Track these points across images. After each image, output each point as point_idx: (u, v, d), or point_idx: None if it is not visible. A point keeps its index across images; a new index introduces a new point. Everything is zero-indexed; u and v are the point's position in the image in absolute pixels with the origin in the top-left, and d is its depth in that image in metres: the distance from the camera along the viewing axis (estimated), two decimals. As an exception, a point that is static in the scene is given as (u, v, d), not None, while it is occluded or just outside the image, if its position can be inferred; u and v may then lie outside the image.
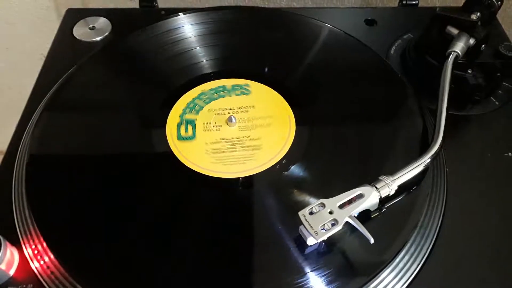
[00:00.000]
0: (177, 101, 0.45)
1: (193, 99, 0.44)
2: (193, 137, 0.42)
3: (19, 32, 0.82)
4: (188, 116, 0.43)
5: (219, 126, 0.43)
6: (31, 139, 0.42)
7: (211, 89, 0.46)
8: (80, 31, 0.55)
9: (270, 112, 0.45)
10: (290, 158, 0.41)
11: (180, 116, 0.43)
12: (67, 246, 0.35)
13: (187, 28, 0.51)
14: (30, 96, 0.48)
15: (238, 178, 0.40)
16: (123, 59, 0.50)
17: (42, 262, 0.35)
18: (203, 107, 0.44)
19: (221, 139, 0.42)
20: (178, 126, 0.42)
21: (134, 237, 0.36)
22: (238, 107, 0.45)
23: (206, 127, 0.43)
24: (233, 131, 0.43)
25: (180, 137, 0.42)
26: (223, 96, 0.45)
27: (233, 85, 0.46)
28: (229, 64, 0.49)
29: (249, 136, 0.43)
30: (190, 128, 0.42)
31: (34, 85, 0.49)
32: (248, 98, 0.46)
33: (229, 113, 0.44)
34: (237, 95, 0.46)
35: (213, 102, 0.45)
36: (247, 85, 0.46)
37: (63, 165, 0.41)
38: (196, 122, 0.43)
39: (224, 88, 0.46)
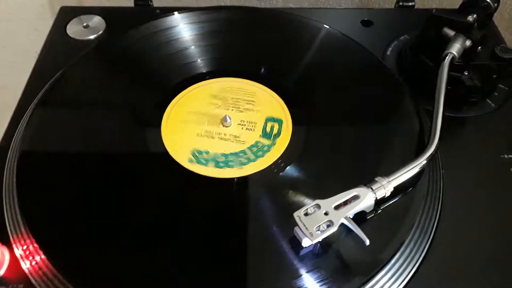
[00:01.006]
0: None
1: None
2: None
3: (14, 30, 0.81)
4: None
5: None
6: (22, 138, 0.42)
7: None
8: (74, 29, 0.54)
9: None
10: (286, 159, 0.41)
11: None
12: (58, 246, 0.35)
13: (182, 27, 0.51)
14: (22, 94, 0.48)
15: (233, 178, 0.39)
16: (116, 57, 0.50)
17: (33, 262, 0.35)
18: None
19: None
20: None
21: (126, 237, 0.36)
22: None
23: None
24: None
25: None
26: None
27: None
28: (224, 63, 0.49)
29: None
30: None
31: (27, 83, 0.49)
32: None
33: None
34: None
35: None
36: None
37: (55, 164, 0.40)
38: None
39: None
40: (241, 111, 0.44)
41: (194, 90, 0.46)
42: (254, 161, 0.40)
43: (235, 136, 0.42)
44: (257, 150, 0.41)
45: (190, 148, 0.41)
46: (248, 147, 0.41)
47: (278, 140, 0.42)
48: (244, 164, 0.40)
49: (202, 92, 0.46)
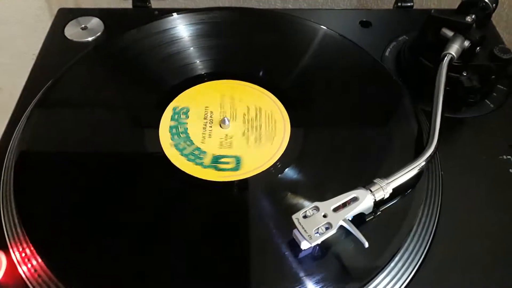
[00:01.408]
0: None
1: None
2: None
3: (11, 32, 0.81)
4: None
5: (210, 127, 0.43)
6: (20, 139, 0.41)
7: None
8: (72, 31, 0.54)
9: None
10: (284, 160, 0.41)
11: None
12: (55, 250, 0.35)
13: (181, 28, 0.51)
14: (20, 96, 0.48)
15: (231, 181, 0.39)
16: (115, 59, 0.50)
17: (30, 266, 0.35)
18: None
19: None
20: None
21: (124, 241, 0.36)
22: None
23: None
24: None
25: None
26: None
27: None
28: (222, 65, 0.48)
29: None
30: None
31: (25, 85, 0.49)
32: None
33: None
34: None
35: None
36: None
37: (53, 167, 0.40)
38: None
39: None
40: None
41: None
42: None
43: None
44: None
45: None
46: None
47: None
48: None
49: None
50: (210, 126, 0.43)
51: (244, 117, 0.44)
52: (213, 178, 0.39)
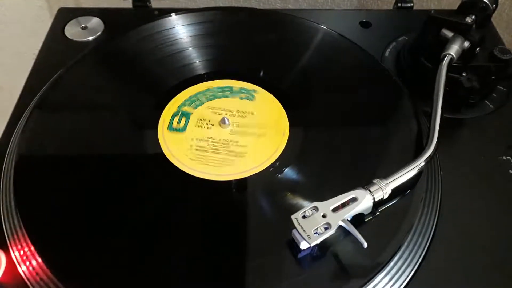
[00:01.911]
0: (169, 102, 0.45)
1: (197, 94, 0.44)
2: (183, 129, 0.41)
3: (11, 32, 0.81)
4: (186, 109, 0.43)
5: (211, 125, 0.43)
6: (20, 139, 0.41)
7: (218, 87, 0.45)
8: (72, 31, 0.54)
9: (268, 123, 0.43)
10: (283, 160, 0.41)
11: (178, 106, 0.43)
12: (55, 250, 0.35)
13: (180, 28, 0.51)
14: (20, 96, 0.48)
15: (230, 181, 0.39)
16: (115, 59, 0.50)
17: (29, 266, 0.35)
18: (203, 103, 0.43)
19: (208, 138, 0.42)
20: (173, 116, 0.42)
21: (124, 242, 0.36)
22: (238, 111, 0.44)
23: (199, 123, 0.42)
24: (223, 133, 0.42)
25: (171, 128, 0.41)
26: (227, 97, 0.45)
27: (240, 88, 0.45)
28: (222, 65, 0.48)
29: (237, 142, 0.42)
30: (183, 120, 0.42)
31: (25, 85, 0.49)
32: (250, 104, 0.45)
33: (226, 114, 0.44)
34: (241, 98, 0.45)
35: (215, 100, 0.44)
36: (254, 91, 0.45)
37: (53, 167, 0.40)
38: (191, 116, 0.43)
39: (231, 89, 0.45)
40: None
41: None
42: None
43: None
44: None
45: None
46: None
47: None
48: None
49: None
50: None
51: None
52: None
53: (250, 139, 0.42)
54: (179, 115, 0.42)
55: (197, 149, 0.40)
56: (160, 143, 0.41)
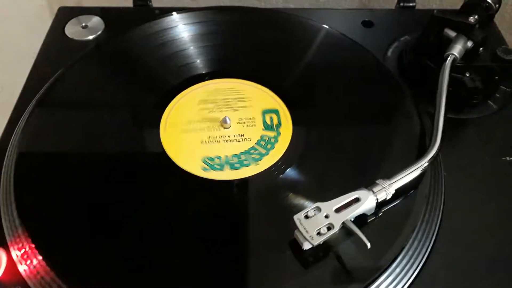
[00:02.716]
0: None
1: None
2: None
3: (12, 31, 0.81)
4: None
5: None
6: (20, 138, 0.41)
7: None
8: (72, 30, 0.54)
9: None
10: (286, 161, 0.40)
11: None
12: (55, 249, 0.35)
13: (181, 27, 0.51)
14: (20, 95, 0.48)
15: (232, 180, 0.39)
16: (115, 58, 0.49)
17: (30, 265, 0.34)
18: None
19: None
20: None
21: (124, 240, 0.36)
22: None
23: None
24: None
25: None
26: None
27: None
28: (223, 64, 0.48)
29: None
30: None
31: (25, 84, 0.49)
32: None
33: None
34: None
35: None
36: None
37: (53, 166, 0.40)
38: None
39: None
40: (236, 110, 0.44)
41: (192, 92, 0.46)
42: (267, 155, 0.40)
43: (239, 135, 0.42)
44: (266, 143, 0.41)
45: (200, 157, 0.40)
46: (256, 143, 0.41)
47: (281, 129, 0.42)
48: (258, 160, 0.40)
49: (191, 98, 0.45)
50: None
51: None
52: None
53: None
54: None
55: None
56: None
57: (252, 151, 0.40)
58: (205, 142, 0.42)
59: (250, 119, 0.43)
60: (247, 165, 0.39)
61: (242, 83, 0.46)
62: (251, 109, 0.44)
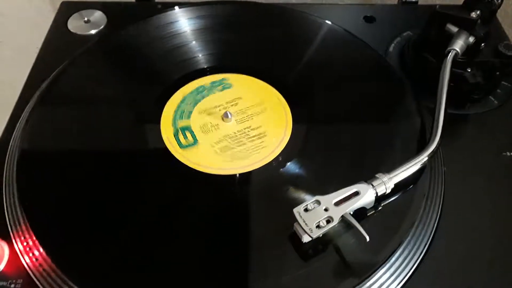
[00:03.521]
0: (172, 95, 0.45)
1: (178, 106, 0.43)
2: (195, 142, 0.41)
3: (14, 26, 0.81)
4: (181, 123, 0.42)
5: (216, 125, 0.43)
6: (22, 133, 0.41)
7: (191, 92, 0.45)
8: (75, 24, 0.54)
9: (259, 98, 0.45)
10: (286, 155, 0.40)
11: (172, 125, 0.42)
12: (57, 241, 0.35)
13: (183, 22, 0.51)
14: (22, 90, 0.48)
15: (233, 175, 0.39)
16: (117, 53, 0.50)
17: (32, 257, 0.35)
18: (192, 111, 0.43)
19: (224, 136, 0.42)
20: (176, 136, 0.41)
21: (125, 232, 0.36)
22: (227, 102, 0.44)
23: (204, 129, 0.42)
24: (232, 126, 0.43)
25: (182, 146, 0.41)
26: (207, 95, 0.45)
27: (211, 83, 0.45)
28: (225, 59, 0.48)
29: (250, 127, 0.42)
30: (188, 134, 0.41)
31: (27, 79, 0.49)
32: (231, 91, 0.45)
33: (219, 110, 0.44)
34: (220, 91, 0.45)
35: (199, 104, 0.44)
36: (225, 79, 0.46)
37: (55, 159, 0.40)
38: (192, 127, 0.42)
39: (203, 87, 0.45)
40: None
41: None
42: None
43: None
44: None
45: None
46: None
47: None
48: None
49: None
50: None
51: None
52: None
53: (258, 118, 0.43)
54: (180, 132, 0.42)
55: (222, 151, 0.40)
56: (162, 138, 0.41)
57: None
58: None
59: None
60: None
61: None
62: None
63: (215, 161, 0.40)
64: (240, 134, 0.42)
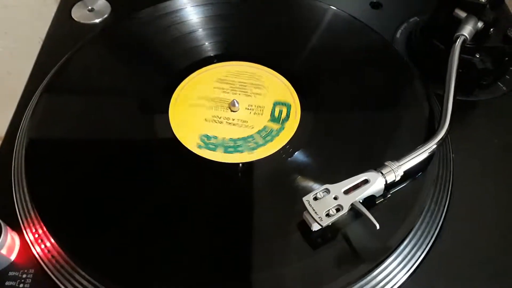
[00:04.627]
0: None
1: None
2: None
3: (17, 16, 0.80)
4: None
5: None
6: (30, 123, 0.41)
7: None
8: (79, 13, 0.53)
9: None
10: (295, 143, 0.40)
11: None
12: (67, 231, 0.35)
13: (189, 10, 0.50)
14: (28, 80, 0.48)
15: (242, 163, 0.39)
16: (122, 41, 0.49)
17: (43, 247, 0.35)
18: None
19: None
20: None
21: (135, 222, 0.36)
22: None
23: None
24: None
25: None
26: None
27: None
28: (232, 47, 0.48)
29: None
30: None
31: (32, 69, 0.49)
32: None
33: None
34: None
35: None
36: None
37: (63, 149, 0.40)
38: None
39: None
40: (249, 95, 0.44)
41: (201, 74, 0.46)
42: (264, 146, 0.40)
43: (243, 121, 0.42)
44: (266, 135, 0.41)
45: (199, 133, 0.41)
46: (256, 132, 0.41)
47: (286, 124, 0.42)
48: (253, 149, 0.40)
49: (209, 76, 0.45)
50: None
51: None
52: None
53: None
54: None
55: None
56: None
57: (250, 139, 0.40)
58: (209, 120, 0.42)
59: (260, 107, 0.43)
60: (240, 152, 0.39)
61: (260, 69, 0.46)
62: (264, 97, 0.44)
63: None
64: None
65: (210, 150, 0.40)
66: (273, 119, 0.42)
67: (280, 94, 0.44)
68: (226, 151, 0.40)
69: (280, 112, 0.42)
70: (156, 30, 0.49)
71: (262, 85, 0.45)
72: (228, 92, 0.44)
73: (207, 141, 0.40)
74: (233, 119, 0.42)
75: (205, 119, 0.42)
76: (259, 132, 0.41)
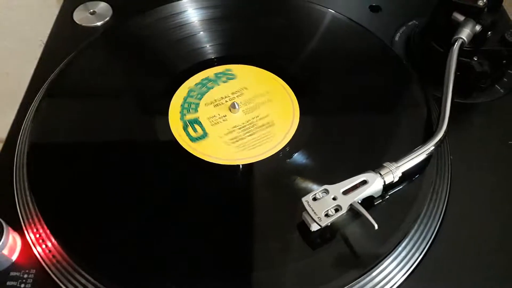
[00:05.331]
0: (179, 87, 0.45)
1: (185, 99, 0.44)
2: (205, 135, 0.41)
3: (18, 17, 0.81)
4: (189, 117, 0.42)
5: (224, 116, 0.43)
6: (31, 125, 0.42)
7: (196, 84, 0.45)
8: (80, 16, 0.54)
9: (264, 88, 0.45)
10: (294, 145, 0.41)
11: (180, 119, 0.42)
12: (69, 231, 0.35)
13: (190, 12, 0.51)
14: (30, 83, 0.48)
15: (241, 165, 0.39)
16: (123, 44, 0.50)
17: (44, 247, 0.35)
18: (198, 104, 0.43)
19: (233, 127, 0.42)
20: (185, 129, 0.41)
21: (136, 222, 0.36)
22: (232, 93, 0.44)
23: (213, 121, 0.42)
24: (240, 117, 0.43)
25: (192, 139, 0.41)
26: (212, 87, 0.45)
27: (215, 74, 0.46)
28: (232, 49, 0.48)
29: (257, 116, 0.43)
30: (197, 127, 0.41)
31: (34, 71, 0.49)
32: (236, 82, 0.45)
33: (226, 101, 0.44)
34: (224, 82, 0.45)
35: (205, 96, 0.44)
36: (229, 69, 0.46)
37: (65, 150, 0.40)
38: (201, 120, 0.42)
39: (208, 79, 0.45)
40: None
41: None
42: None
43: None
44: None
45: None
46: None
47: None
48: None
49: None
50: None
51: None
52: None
53: (265, 107, 0.43)
54: (189, 125, 0.42)
55: (233, 142, 0.41)
56: (172, 131, 0.42)
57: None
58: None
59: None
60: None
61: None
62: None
63: (226, 152, 0.40)
64: (248, 124, 0.42)
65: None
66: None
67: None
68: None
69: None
70: (157, 33, 0.49)
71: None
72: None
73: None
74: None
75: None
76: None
